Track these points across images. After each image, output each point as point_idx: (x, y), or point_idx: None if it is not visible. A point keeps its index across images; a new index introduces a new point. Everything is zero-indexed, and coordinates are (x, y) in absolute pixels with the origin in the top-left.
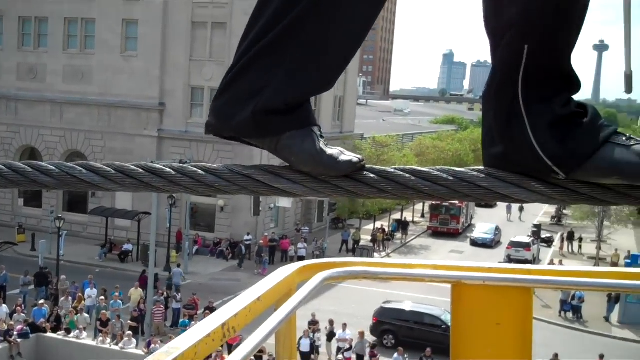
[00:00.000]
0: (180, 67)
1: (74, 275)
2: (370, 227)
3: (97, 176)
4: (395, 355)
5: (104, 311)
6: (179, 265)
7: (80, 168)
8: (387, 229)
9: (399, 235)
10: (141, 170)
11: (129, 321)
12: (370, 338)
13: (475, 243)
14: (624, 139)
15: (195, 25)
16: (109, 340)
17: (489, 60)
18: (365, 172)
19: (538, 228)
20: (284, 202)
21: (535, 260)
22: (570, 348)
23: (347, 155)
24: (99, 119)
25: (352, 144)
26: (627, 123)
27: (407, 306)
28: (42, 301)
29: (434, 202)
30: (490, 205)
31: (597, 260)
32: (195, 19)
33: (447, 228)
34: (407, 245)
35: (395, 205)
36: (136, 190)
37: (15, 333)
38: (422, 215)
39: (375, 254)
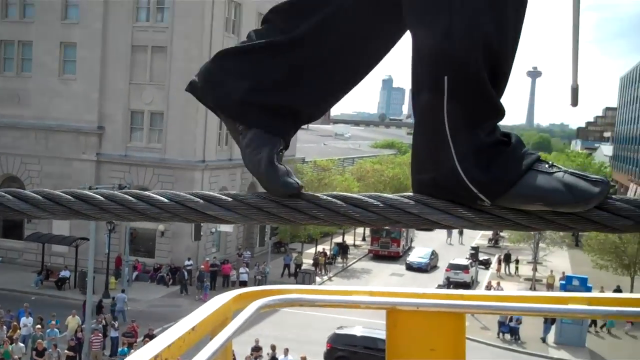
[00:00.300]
0: (119, 90)
1: (8, 304)
2: (312, 250)
3: (24, 204)
4: None
5: (40, 340)
6: (123, 291)
7: (7, 195)
8: (328, 253)
9: (340, 258)
10: (70, 198)
11: (66, 350)
12: None
13: (410, 267)
14: (546, 166)
15: (135, 49)
16: None
17: None
18: (297, 199)
19: (476, 250)
20: (226, 227)
21: (473, 282)
22: None
23: (290, 178)
24: (36, 142)
25: (293, 167)
26: (561, 147)
27: (358, 331)
28: None
29: None
30: (430, 229)
31: (534, 281)
32: (135, 43)
33: (387, 251)
34: (349, 268)
35: (337, 229)
36: (66, 218)
37: None
38: (364, 239)
39: (317, 278)
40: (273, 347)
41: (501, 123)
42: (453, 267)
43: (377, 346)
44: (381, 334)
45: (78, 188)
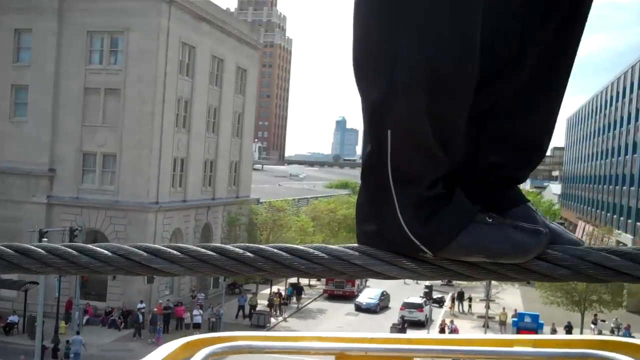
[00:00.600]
0: (71, 132)
1: None
2: (267, 291)
3: None
4: None
5: None
6: (78, 333)
7: None
8: (283, 293)
9: (295, 299)
10: (10, 251)
11: None
12: None
13: (359, 308)
14: (487, 218)
15: (88, 91)
16: None
17: None
18: (243, 251)
19: (430, 289)
20: None
21: (428, 321)
22: None
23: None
24: None
25: (248, 208)
26: None
27: None
28: None
29: None
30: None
31: (487, 319)
32: (88, 85)
33: (342, 291)
34: (304, 309)
35: None
36: (6, 271)
37: None
38: (319, 279)
39: (272, 319)
40: None
41: None
42: (408, 305)
43: None
44: None
45: (28, 231)
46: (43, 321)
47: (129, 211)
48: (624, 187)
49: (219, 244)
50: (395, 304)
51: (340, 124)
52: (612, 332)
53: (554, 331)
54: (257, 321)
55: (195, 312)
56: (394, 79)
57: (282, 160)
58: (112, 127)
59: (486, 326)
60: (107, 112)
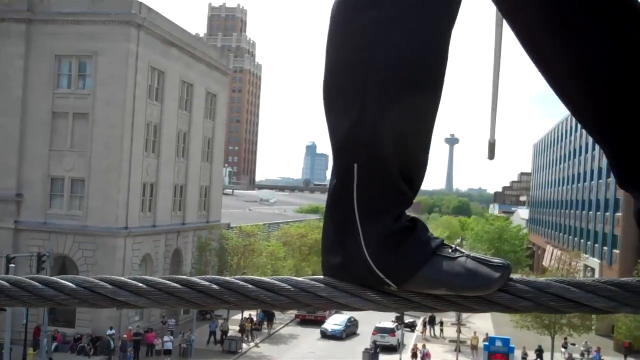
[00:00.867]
0: (39, 157)
1: None
2: (239, 317)
3: None
4: None
5: None
6: (50, 359)
7: None
8: (255, 319)
9: (266, 325)
10: None
11: None
12: None
13: (324, 334)
14: (449, 250)
15: (56, 116)
16: None
17: None
18: (209, 283)
19: (401, 313)
20: None
21: (399, 345)
22: None
23: None
24: None
25: (218, 233)
26: (479, 211)
27: None
28: None
29: None
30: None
31: (458, 343)
32: (55, 109)
33: (314, 316)
34: (276, 334)
35: None
36: None
37: None
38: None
39: (244, 345)
40: None
41: (422, 188)
42: (379, 330)
43: None
44: None
45: None
46: (11, 348)
47: (97, 236)
48: (590, 212)
49: (185, 277)
50: (367, 329)
51: (311, 149)
52: (582, 355)
53: (525, 355)
54: (229, 347)
55: (165, 338)
56: (363, 113)
57: (252, 184)
58: (80, 152)
59: (458, 350)
60: (75, 137)
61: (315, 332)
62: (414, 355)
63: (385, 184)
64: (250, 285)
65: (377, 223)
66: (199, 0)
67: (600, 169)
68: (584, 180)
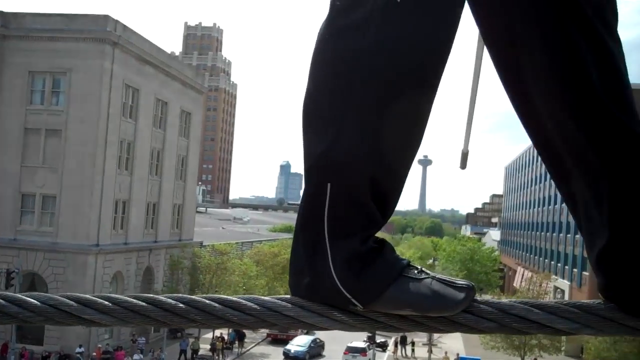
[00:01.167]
0: (10, 173)
1: None
2: (210, 335)
3: None
4: None
5: None
6: None
7: None
8: (226, 337)
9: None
10: None
11: None
12: None
13: (287, 355)
14: (415, 272)
15: (28, 132)
16: None
17: None
18: (175, 302)
19: (373, 333)
20: None
21: None
22: None
23: None
24: None
25: (191, 252)
26: (452, 232)
27: None
28: None
29: None
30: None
31: None
32: (28, 125)
33: (286, 335)
34: (247, 353)
35: None
36: None
37: None
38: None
39: None
40: None
41: (395, 208)
42: (351, 350)
43: None
44: None
45: None
46: None
47: (68, 253)
48: (561, 235)
49: (151, 295)
50: (338, 347)
51: (285, 168)
52: None
53: None
54: None
55: (135, 356)
56: (340, 136)
57: (226, 203)
58: (52, 168)
59: None
60: (48, 153)
61: None
62: None
63: (356, 207)
64: (216, 304)
65: (346, 244)
66: (175, 19)
67: None
68: (555, 203)
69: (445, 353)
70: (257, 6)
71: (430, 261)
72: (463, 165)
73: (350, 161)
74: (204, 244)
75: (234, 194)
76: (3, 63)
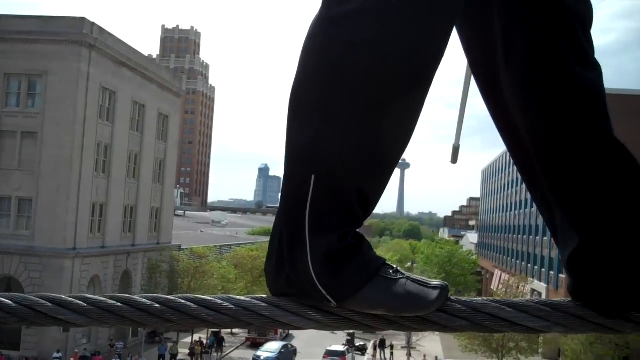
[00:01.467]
0: None
1: None
2: (189, 340)
3: None
4: None
5: None
6: None
7: None
8: (205, 342)
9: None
10: None
11: None
12: None
13: None
14: (391, 271)
15: (4, 134)
16: None
17: None
18: (150, 302)
19: (352, 337)
20: None
21: None
22: None
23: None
24: None
25: (169, 255)
26: (430, 235)
27: None
28: None
29: None
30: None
31: None
32: (3, 128)
33: (265, 339)
34: (226, 358)
35: None
36: None
37: None
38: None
39: None
40: None
41: (374, 212)
42: (330, 353)
43: None
44: None
45: None
46: None
47: (44, 257)
48: (537, 237)
49: (126, 295)
50: (318, 351)
51: (263, 171)
52: None
53: None
54: None
55: None
56: (327, 126)
57: (204, 206)
58: (28, 171)
59: None
60: (24, 156)
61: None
62: None
63: (339, 201)
64: (191, 304)
65: (325, 239)
66: (153, 22)
67: None
68: (531, 206)
69: (424, 356)
70: (235, 9)
71: (409, 264)
72: (454, 159)
73: (337, 153)
74: (182, 247)
75: (212, 197)
76: None
